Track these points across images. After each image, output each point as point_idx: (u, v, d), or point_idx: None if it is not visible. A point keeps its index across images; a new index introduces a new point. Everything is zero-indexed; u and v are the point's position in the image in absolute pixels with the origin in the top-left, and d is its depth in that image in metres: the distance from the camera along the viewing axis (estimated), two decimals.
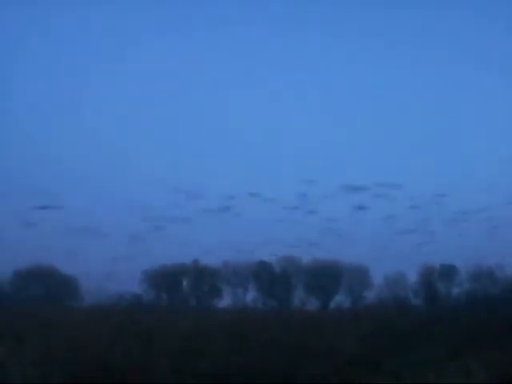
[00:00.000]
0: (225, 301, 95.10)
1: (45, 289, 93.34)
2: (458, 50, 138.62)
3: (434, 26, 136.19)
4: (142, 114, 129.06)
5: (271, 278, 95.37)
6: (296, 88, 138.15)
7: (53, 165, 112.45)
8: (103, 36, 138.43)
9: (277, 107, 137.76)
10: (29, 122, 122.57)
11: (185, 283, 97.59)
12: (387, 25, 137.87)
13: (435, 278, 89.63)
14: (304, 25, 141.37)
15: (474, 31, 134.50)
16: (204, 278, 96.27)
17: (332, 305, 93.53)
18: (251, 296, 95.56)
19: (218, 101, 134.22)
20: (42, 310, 60.24)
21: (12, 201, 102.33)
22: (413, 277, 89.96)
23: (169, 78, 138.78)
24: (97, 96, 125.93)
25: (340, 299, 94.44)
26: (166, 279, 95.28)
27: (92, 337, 43.87)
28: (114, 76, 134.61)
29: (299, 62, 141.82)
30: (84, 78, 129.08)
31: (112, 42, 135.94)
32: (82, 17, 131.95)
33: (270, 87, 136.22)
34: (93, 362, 39.47)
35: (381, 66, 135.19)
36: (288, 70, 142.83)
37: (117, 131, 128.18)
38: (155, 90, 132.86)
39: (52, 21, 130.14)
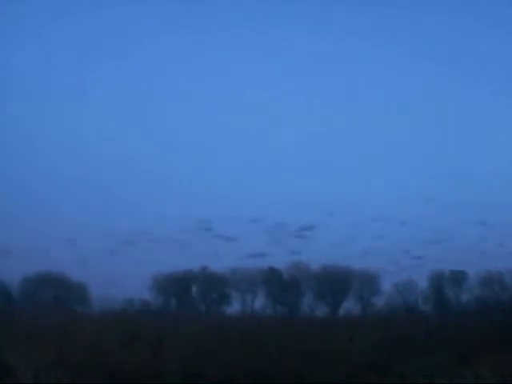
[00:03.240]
0: (234, 307, 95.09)
1: (53, 295, 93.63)
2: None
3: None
4: (143, 115, 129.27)
5: (280, 284, 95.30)
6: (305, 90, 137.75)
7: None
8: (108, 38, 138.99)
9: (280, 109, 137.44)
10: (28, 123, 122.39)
11: (194, 289, 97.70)
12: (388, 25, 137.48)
13: (445, 283, 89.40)
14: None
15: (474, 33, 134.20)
16: (213, 284, 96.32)
17: (341, 311, 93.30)
18: (260, 302, 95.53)
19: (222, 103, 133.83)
20: (52, 315, 60.42)
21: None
22: (422, 283, 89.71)
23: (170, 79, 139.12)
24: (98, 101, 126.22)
25: (349, 306, 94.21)
26: (175, 285, 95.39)
27: (102, 342, 43.98)
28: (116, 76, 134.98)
29: (305, 63, 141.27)
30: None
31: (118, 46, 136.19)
32: (83, 18, 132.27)
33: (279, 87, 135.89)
34: (103, 366, 39.56)
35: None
36: (298, 71, 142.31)
37: (120, 138, 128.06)
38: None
39: (51, 22, 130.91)
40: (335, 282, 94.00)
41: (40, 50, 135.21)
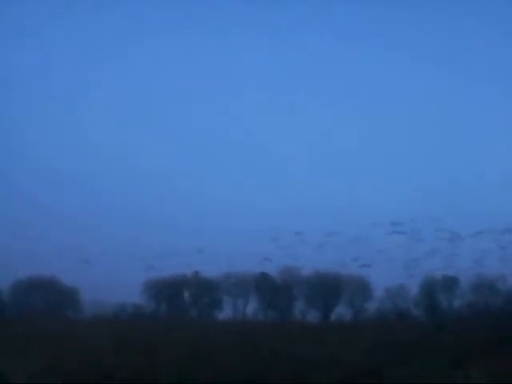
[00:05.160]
0: (225, 312, 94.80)
1: (45, 299, 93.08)
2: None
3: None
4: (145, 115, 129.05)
5: (272, 289, 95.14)
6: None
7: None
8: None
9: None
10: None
11: (186, 294, 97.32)
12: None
13: (436, 289, 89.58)
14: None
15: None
16: (205, 289, 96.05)
17: (333, 317, 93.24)
18: (252, 307, 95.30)
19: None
20: (44, 319, 60.14)
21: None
22: (414, 288, 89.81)
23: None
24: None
25: (341, 311, 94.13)
26: (167, 290, 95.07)
27: (97, 347, 43.86)
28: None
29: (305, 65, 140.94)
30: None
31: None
32: (83, 18, 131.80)
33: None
34: (98, 371, 39.45)
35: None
36: (298, 71, 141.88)
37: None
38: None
39: (51, 22, 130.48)
40: (327, 288, 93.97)
41: (40, 50, 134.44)
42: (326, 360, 41.40)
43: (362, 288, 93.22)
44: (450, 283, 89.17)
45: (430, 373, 40.91)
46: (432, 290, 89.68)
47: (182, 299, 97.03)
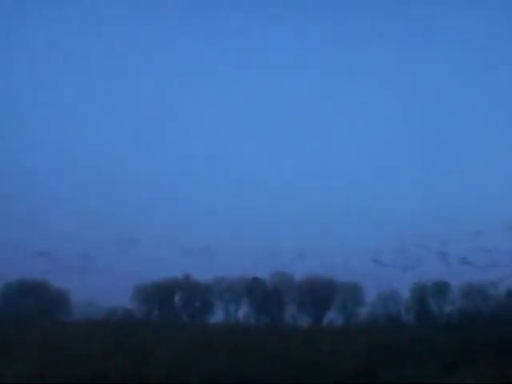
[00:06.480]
0: (217, 316, 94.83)
1: (35, 302, 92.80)
2: None
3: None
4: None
5: (264, 294, 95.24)
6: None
7: None
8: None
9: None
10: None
11: (177, 298, 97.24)
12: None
13: (427, 295, 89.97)
14: None
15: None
16: (196, 293, 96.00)
17: (324, 321, 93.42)
18: (243, 312, 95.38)
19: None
20: (34, 323, 59.84)
21: None
22: (405, 294, 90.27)
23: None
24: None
25: (332, 316, 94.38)
26: (158, 294, 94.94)
27: (85, 351, 43.60)
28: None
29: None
30: None
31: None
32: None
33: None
34: (87, 376, 39.21)
35: None
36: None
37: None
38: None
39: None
40: (319, 293, 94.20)
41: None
42: (319, 362, 41.46)
43: (353, 293, 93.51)
44: (442, 289, 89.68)
45: (422, 375, 41.00)
46: (423, 295, 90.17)
47: (172, 303, 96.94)
